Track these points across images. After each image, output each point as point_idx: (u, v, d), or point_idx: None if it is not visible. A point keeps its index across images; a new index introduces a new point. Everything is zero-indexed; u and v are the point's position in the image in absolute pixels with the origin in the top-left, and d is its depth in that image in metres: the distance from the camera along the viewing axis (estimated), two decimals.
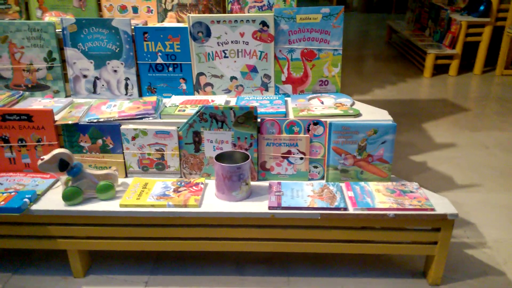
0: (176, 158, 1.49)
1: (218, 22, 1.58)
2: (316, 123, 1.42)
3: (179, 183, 1.45)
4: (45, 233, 1.35)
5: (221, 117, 1.43)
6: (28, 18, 1.86)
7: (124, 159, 1.49)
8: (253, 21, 1.58)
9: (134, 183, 1.44)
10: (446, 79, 3.83)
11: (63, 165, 1.30)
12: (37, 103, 1.60)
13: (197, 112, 1.43)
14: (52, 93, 1.70)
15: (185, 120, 1.46)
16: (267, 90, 1.69)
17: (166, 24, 1.77)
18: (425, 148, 2.40)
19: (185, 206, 1.33)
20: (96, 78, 1.67)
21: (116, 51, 1.63)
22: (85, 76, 1.67)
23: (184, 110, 1.50)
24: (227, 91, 1.69)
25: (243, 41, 1.61)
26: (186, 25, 1.66)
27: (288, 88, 1.68)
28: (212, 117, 1.43)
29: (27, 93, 1.69)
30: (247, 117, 1.41)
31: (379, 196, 1.35)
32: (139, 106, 1.52)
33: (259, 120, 1.43)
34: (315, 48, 1.62)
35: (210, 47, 1.62)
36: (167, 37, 1.62)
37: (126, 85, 1.68)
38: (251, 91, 1.69)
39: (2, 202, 1.29)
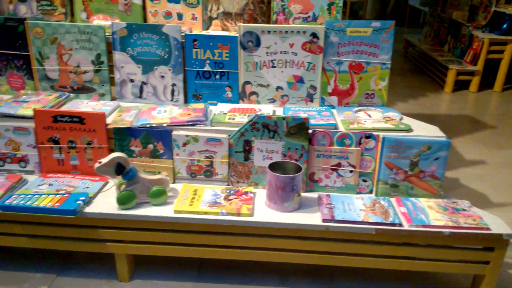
0: (225, 166, 1.49)
1: (269, 32, 1.59)
2: (368, 136, 1.43)
3: (228, 191, 1.45)
4: (96, 236, 1.35)
5: (274, 127, 1.43)
6: (72, 20, 1.87)
7: (173, 164, 1.50)
8: (304, 32, 1.59)
9: (184, 189, 1.44)
10: (467, 95, 3.84)
11: (119, 169, 1.30)
12: (84, 105, 1.60)
13: (249, 121, 1.43)
14: (98, 96, 1.71)
15: (235, 128, 1.46)
16: (312, 101, 1.69)
17: (214, 32, 1.78)
18: (455, 164, 2.40)
19: (238, 214, 1.32)
20: (143, 83, 1.68)
21: (165, 57, 1.64)
22: (132, 81, 1.68)
23: (233, 119, 1.51)
24: (272, 100, 1.70)
25: (292, 52, 1.62)
26: (235, 34, 1.67)
27: (334, 100, 1.68)
28: (264, 126, 1.43)
29: (72, 95, 1.69)
30: (300, 128, 1.42)
31: (432, 213, 1.35)
32: (190, 112, 1.53)
33: (310, 131, 1.43)
34: (364, 61, 1.63)
35: (259, 56, 1.63)
36: (217, 45, 1.62)
37: (173, 91, 1.69)
38: (296, 101, 1.70)
39: (57, 204, 1.29)
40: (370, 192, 1.49)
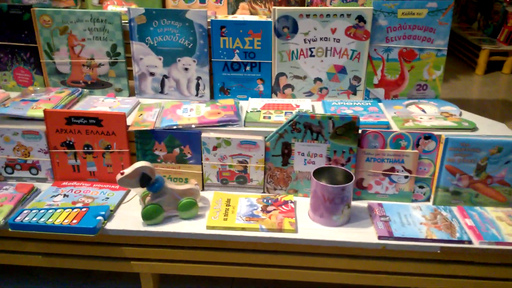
0: (260, 171, 1.31)
1: (308, 16, 1.39)
2: (427, 137, 1.23)
3: (265, 200, 1.28)
4: (119, 254, 1.19)
5: (317, 127, 1.24)
6: (83, 6, 1.68)
7: (202, 170, 1.32)
8: (348, 15, 1.38)
9: (215, 199, 1.27)
10: (500, 76, 3.58)
11: (144, 179, 1.13)
12: (100, 103, 1.43)
13: (289, 121, 1.24)
14: (114, 91, 1.53)
15: (272, 129, 1.28)
16: (355, 94, 1.49)
17: (243, 17, 1.57)
18: None
19: (280, 230, 1.15)
20: (165, 76, 1.49)
21: (189, 47, 1.45)
22: (152, 74, 1.49)
23: (270, 117, 1.32)
24: (309, 94, 1.50)
25: (334, 38, 1.42)
26: (267, 19, 1.47)
27: (380, 92, 1.48)
28: (306, 127, 1.24)
29: (86, 90, 1.52)
30: (348, 128, 1.23)
31: (503, 226, 1.16)
32: (219, 111, 1.34)
33: (359, 131, 1.25)
34: (416, 47, 1.42)
35: (296, 44, 1.43)
36: (247, 32, 1.42)
37: (198, 85, 1.50)
38: (336, 94, 1.50)
39: (75, 221, 1.13)
40: (427, 199, 1.30)
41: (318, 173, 1.22)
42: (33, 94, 1.43)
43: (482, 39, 3.70)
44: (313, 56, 1.45)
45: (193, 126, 1.28)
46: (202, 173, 1.33)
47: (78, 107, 1.40)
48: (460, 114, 1.37)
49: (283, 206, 1.25)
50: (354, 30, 1.40)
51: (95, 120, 1.27)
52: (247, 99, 1.50)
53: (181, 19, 1.42)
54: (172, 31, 1.44)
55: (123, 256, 1.19)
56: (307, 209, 1.26)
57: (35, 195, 1.29)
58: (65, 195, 1.26)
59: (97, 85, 1.53)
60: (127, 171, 1.12)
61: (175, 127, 1.28)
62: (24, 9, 1.44)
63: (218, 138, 1.28)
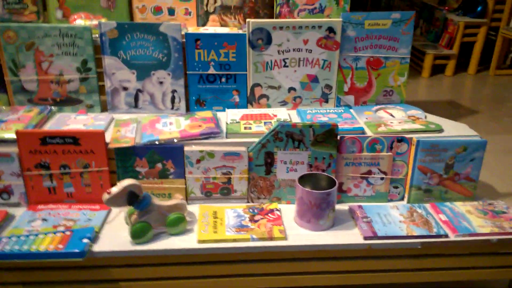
0: (244, 181, 1.33)
1: (281, 28, 1.43)
2: (400, 140, 1.31)
3: (251, 210, 1.29)
4: (108, 276, 1.16)
5: (299, 135, 1.28)
6: (45, 20, 1.61)
7: (185, 184, 1.32)
8: (319, 27, 1.44)
9: (202, 212, 1.27)
10: (443, 79, 3.85)
11: (132, 198, 1.11)
12: (72, 120, 1.38)
13: (272, 131, 1.27)
14: (85, 107, 1.48)
15: (254, 139, 1.30)
16: (327, 101, 1.56)
17: (214, 29, 1.58)
18: None
19: (271, 238, 1.18)
20: (139, 90, 1.47)
21: (163, 60, 1.44)
22: (125, 89, 1.47)
23: (250, 128, 1.35)
24: (284, 103, 1.55)
25: (306, 49, 1.47)
26: (237, 31, 1.50)
27: (350, 99, 1.56)
28: (288, 136, 1.28)
29: (55, 108, 1.46)
30: (328, 135, 1.28)
31: (473, 218, 1.26)
32: (200, 123, 1.35)
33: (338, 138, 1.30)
34: (382, 56, 1.51)
35: (270, 55, 1.47)
36: (222, 44, 1.44)
37: (173, 98, 1.49)
38: (309, 102, 1.55)
39: (60, 246, 1.09)
40: (402, 199, 1.38)
41: (302, 180, 1.25)
42: None
43: (425, 44, 3.95)
44: (287, 66, 1.49)
45: (175, 140, 1.28)
46: (186, 187, 1.33)
47: (50, 126, 1.34)
48: (425, 117, 1.47)
49: (269, 215, 1.28)
50: (325, 41, 1.46)
51: (72, 139, 1.23)
52: (223, 110, 1.51)
53: (155, 33, 1.41)
54: (146, 45, 1.42)
55: (112, 278, 1.16)
56: (292, 215, 1.29)
57: (9, 220, 1.22)
58: (43, 219, 1.20)
59: (67, 102, 1.47)
60: (114, 190, 1.09)
61: (156, 142, 1.27)
62: None
63: (201, 151, 1.28)
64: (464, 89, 3.61)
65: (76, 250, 1.08)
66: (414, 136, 1.31)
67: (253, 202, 1.36)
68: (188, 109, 1.53)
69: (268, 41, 1.45)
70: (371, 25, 1.47)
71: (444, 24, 3.94)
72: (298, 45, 1.46)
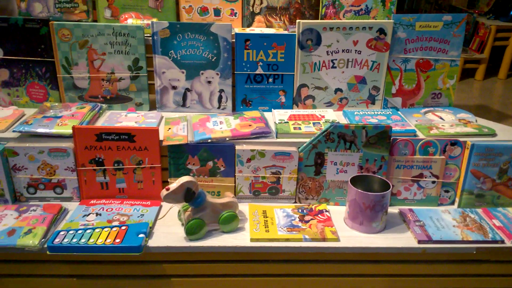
0: (293, 181, 1.32)
1: (331, 29, 1.43)
2: (454, 143, 1.29)
3: (300, 210, 1.29)
4: (161, 271, 1.17)
5: (351, 137, 1.27)
6: (95, 19, 1.65)
7: (235, 183, 1.32)
8: (370, 28, 1.43)
9: (251, 211, 1.27)
10: (473, 83, 3.79)
11: (189, 194, 1.12)
12: (123, 118, 1.40)
13: (324, 132, 1.27)
14: (135, 105, 1.51)
15: (304, 140, 1.30)
16: (373, 103, 1.54)
17: (260, 29, 1.59)
18: None
19: (323, 240, 1.17)
20: (187, 89, 1.49)
21: (213, 60, 1.45)
22: (174, 88, 1.48)
23: (300, 128, 1.34)
24: (329, 104, 1.54)
25: (356, 50, 1.46)
26: (286, 32, 1.50)
27: (398, 101, 1.54)
28: (340, 137, 1.27)
29: (105, 105, 1.48)
30: (380, 137, 1.27)
31: None
32: (250, 123, 1.35)
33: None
34: (432, 58, 1.49)
35: (318, 56, 1.46)
36: (271, 45, 1.45)
37: (220, 98, 1.50)
38: (355, 104, 1.54)
39: (118, 240, 1.10)
40: (452, 203, 1.36)
41: (353, 182, 1.24)
42: (51, 110, 1.39)
43: None
44: (335, 67, 1.48)
45: (227, 139, 1.28)
46: (235, 186, 1.33)
47: (103, 123, 1.36)
48: (476, 121, 1.44)
49: (319, 216, 1.27)
50: (375, 42, 1.45)
51: (127, 135, 1.25)
52: (269, 110, 1.52)
53: (206, 33, 1.42)
54: (196, 45, 1.44)
55: (165, 273, 1.17)
56: (340, 217, 1.28)
57: (64, 215, 1.24)
58: (97, 214, 1.22)
59: (117, 99, 1.49)
60: (173, 186, 1.10)
61: (209, 140, 1.27)
62: (41, 22, 1.40)
63: (252, 150, 1.28)
64: (494, 93, 3.54)
65: (134, 245, 1.09)
66: (468, 140, 1.29)
67: (300, 202, 1.36)
68: (234, 108, 1.53)
69: (318, 41, 1.44)
70: (422, 27, 1.45)
71: (475, 28, 3.88)
72: (347, 46, 1.46)
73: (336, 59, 1.47)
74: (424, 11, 4.83)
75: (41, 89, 1.48)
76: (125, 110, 1.49)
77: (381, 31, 1.43)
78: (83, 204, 1.27)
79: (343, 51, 1.46)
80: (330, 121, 1.40)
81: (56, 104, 1.44)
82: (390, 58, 1.48)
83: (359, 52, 1.47)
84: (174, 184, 1.10)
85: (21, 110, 1.43)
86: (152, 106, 1.52)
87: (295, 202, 1.36)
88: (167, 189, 1.10)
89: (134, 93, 1.49)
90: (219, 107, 1.52)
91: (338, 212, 1.30)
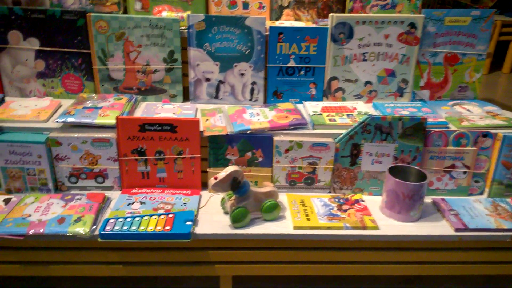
0: (328, 172, 1.36)
1: (364, 22, 1.46)
2: (485, 135, 1.33)
3: (336, 199, 1.33)
4: (206, 258, 1.20)
5: (387, 128, 1.31)
6: (125, 11, 1.66)
7: (272, 173, 1.35)
8: (402, 22, 1.46)
9: (290, 200, 1.31)
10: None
11: (235, 183, 1.15)
12: (160, 109, 1.42)
13: (361, 123, 1.30)
14: (169, 97, 1.53)
15: (340, 131, 1.33)
16: (402, 96, 1.58)
17: (290, 23, 1.62)
18: None
19: (364, 227, 1.21)
20: (220, 81, 1.51)
21: (246, 52, 1.48)
22: (208, 80, 1.50)
23: (335, 120, 1.37)
24: (359, 96, 1.57)
25: (387, 44, 1.49)
26: (326, 26, 1.52)
27: (426, 94, 1.58)
28: (377, 128, 1.31)
29: (139, 97, 1.50)
30: (416, 128, 1.30)
31: None
32: (286, 115, 1.38)
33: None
34: (460, 52, 1.53)
35: (350, 49, 1.49)
36: (304, 38, 1.47)
37: (252, 90, 1.53)
38: (384, 96, 1.58)
39: (167, 227, 1.13)
40: (481, 193, 1.40)
41: (390, 172, 1.28)
42: (88, 101, 1.40)
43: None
44: (366, 60, 1.52)
45: (266, 130, 1.31)
46: (272, 176, 1.36)
47: (142, 114, 1.39)
48: (502, 113, 1.48)
49: (356, 205, 1.31)
50: (405, 36, 1.48)
51: (169, 126, 1.27)
52: (299, 102, 1.54)
53: (240, 26, 1.45)
54: (231, 38, 1.46)
55: (210, 260, 1.20)
56: (375, 206, 1.32)
57: (107, 204, 1.27)
58: (141, 203, 1.25)
59: (151, 91, 1.51)
60: (221, 175, 1.13)
61: (248, 131, 1.30)
62: (79, 14, 1.41)
63: (290, 141, 1.31)
64: (498, 87, 3.59)
65: (184, 232, 1.12)
66: (500, 132, 1.33)
67: (335, 192, 1.39)
68: (265, 100, 1.56)
69: (350, 35, 1.47)
70: (451, 21, 1.48)
71: None
72: (378, 40, 1.49)
73: (367, 52, 1.51)
74: (427, 5, 4.87)
75: (76, 80, 1.49)
76: (159, 102, 1.51)
77: (412, 25, 1.47)
78: (125, 193, 1.30)
79: (374, 44, 1.49)
80: (363, 113, 1.43)
81: (93, 95, 1.46)
82: (420, 52, 1.52)
83: (389, 46, 1.50)
84: (222, 173, 1.13)
85: (57, 101, 1.44)
86: (185, 98, 1.55)
87: (330, 192, 1.39)
88: (215, 178, 1.13)
89: (168, 85, 1.51)
90: (251, 99, 1.54)
91: (372, 202, 1.34)
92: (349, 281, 1.42)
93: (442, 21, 1.49)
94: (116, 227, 1.13)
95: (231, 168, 1.14)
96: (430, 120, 1.37)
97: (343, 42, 1.48)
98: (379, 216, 1.27)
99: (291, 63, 1.51)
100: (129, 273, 1.19)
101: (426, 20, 1.48)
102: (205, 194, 1.34)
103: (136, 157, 1.30)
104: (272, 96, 1.55)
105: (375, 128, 1.31)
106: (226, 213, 1.25)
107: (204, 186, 1.37)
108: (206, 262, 1.20)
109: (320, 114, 1.41)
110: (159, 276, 1.39)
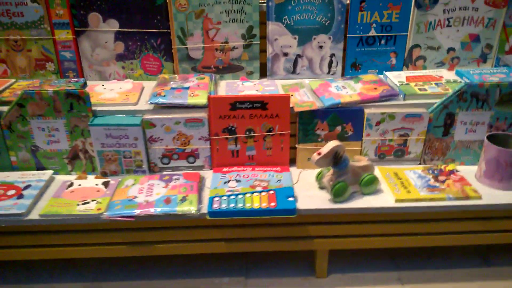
0: (420, 143, 1.33)
1: None
2: None
3: (430, 171, 1.30)
4: (306, 233, 1.21)
5: (484, 95, 1.26)
6: None
7: (361, 146, 1.34)
8: None
9: (384, 174, 1.29)
10: None
11: (337, 158, 1.14)
12: (241, 87, 1.41)
13: (457, 91, 1.26)
14: (246, 74, 1.51)
15: (433, 100, 1.30)
16: (485, 61, 1.52)
17: None
18: None
19: (467, 198, 1.19)
20: (298, 55, 1.48)
21: (326, 24, 1.44)
22: (285, 54, 1.48)
23: (425, 89, 1.34)
24: (441, 64, 1.52)
25: (473, 8, 1.43)
26: None
27: (511, 58, 1.51)
28: (473, 96, 1.27)
29: (217, 75, 1.50)
30: None
31: None
32: (374, 86, 1.35)
33: None
34: None
35: (434, 15, 1.43)
36: (387, 5, 1.42)
37: (330, 62, 1.50)
38: (466, 63, 1.52)
39: (273, 204, 1.14)
40: None
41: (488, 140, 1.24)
42: (172, 82, 1.40)
43: None
44: (450, 26, 1.46)
45: (357, 103, 1.29)
46: (361, 149, 1.34)
47: (226, 93, 1.38)
48: None
49: (452, 176, 1.28)
50: None
51: (260, 103, 1.26)
52: (379, 73, 1.51)
53: None
54: (311, 9, 1.42)
55: (311, 234, 1.21)
56: (471, 176, 1.29)
57: (203, 183, 1.28)
58: (237, 181, 1.26)
59: (229, 69, 1.50)
60: (324, 151, 1.12)
61: (339, 105, 1.28)
62: None
63: (383, 113, 1.29)
64: None
65: (290, 208, 1.13)
66: None
67: (425, 163, 1.37)
68: (343, 73, 1.53)
69: (435, 0, 1.41)
70: None
71: None
72: (465, 3, 1.42)
73: (452, 17, 1.44)
74: None
75: (156, 61, 1.49)
76: (236, 80, 1.50)
77: None
78: (217, 172, 1.31)
79: (460, 8, 1.43)
80: (451, 81, 1.39)
81: (174, 75, 1.46)
82: (507, 14, 1.44)
83: (476, 10, 1.43)
84: (324, 148, 1.12)
85: (139, 83, 1.45)
86: (262, 74, 1.53)
87: (420, 164, 1.37)
88: (319, 154, 1.12)
89: (246, 61, 1.49)
90: (328, 72, 1.51)
91: (466, 172, 1.31)
92: (447, 250, 1.41)
93: None
94: (223, 205, 1.14)
95: (333, 143, 1.13)
96: None
97: (428, 8, 1.42)
98: (478, 185, 1.25)
99: (372, 32, 1.46)
100: (236, 249, 1.22)
101: None
102: (293, 170, 1.34)
103: (226, 136, 1.31)
104: (351, 68, 1.52)
105: (471, 96, 1.27)
106: (321, 188, 1.25)
107: (292, 162, 1.37)
108: (305, 237, 1.21)
109: (407, 84, 1.38)
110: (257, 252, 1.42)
